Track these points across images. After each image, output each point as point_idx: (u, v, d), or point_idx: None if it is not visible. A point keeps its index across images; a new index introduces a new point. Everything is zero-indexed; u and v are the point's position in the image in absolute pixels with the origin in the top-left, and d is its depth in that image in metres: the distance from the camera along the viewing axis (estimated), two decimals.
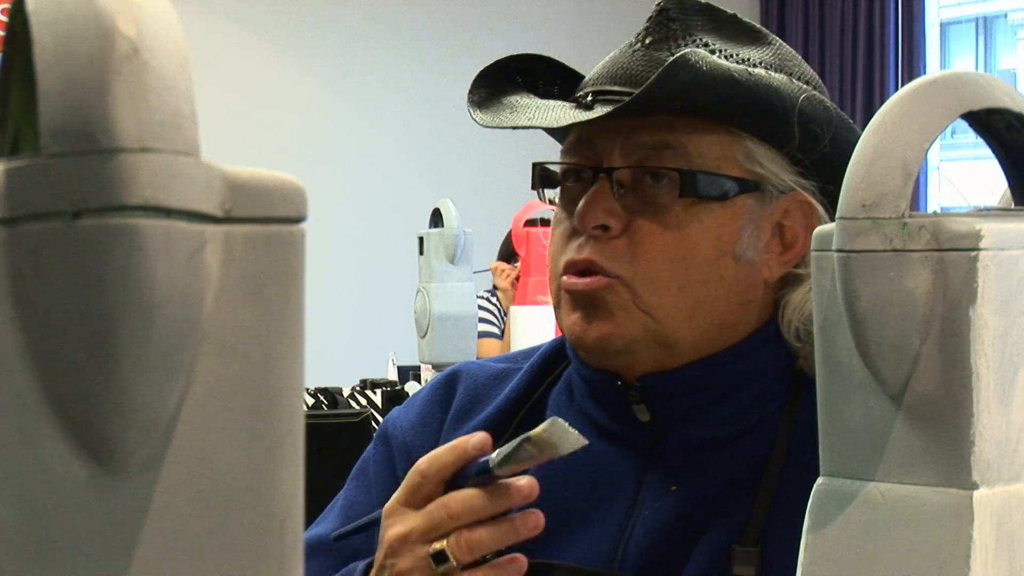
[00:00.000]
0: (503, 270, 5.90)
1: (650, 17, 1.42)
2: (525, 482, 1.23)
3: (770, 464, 1.35)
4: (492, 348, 5.58)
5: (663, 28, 1.41)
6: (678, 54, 1.32)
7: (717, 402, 1.38)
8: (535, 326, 3.92)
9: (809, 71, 1.44)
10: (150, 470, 0.55)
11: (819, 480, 0.84)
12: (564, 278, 1.38)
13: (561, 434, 1.16)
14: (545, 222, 5.23)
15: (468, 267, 4.11)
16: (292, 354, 0.58)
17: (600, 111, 1.36)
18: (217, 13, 8.11)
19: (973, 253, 0.79)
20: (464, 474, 1.24)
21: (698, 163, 1.35)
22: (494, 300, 5.89)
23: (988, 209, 0.88)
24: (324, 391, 4.79)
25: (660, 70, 1.32)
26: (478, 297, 4.69)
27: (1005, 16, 8.63)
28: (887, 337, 0.79)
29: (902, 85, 0.88)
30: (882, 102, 0.89)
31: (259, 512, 0.57)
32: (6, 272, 0.54)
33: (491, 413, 1.46)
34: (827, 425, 0.83)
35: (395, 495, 1.28)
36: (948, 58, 8.69)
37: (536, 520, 1.25)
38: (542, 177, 1.44)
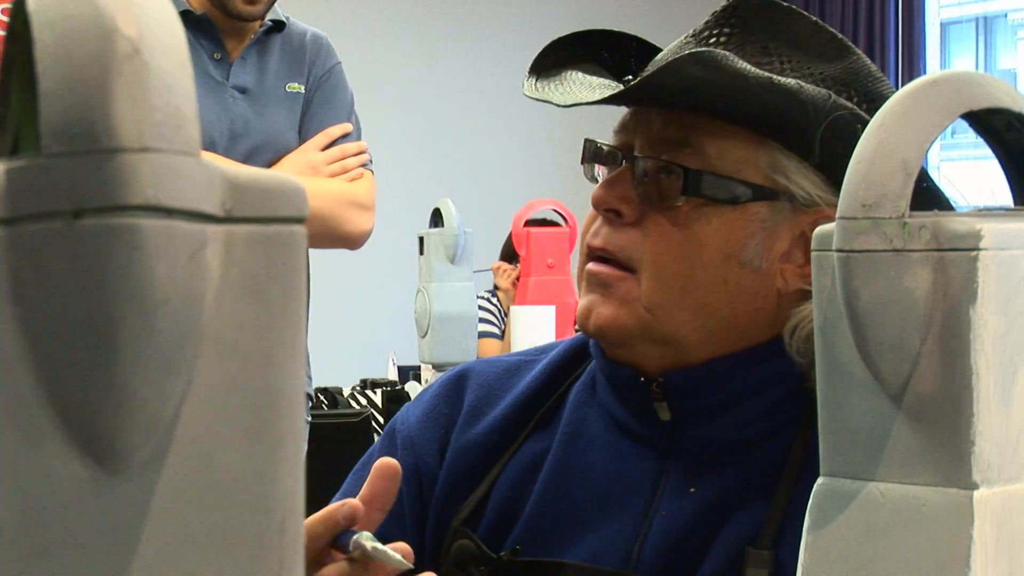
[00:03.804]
0: (504, 270, 5.90)
1: (715, 12, 1.41)
2: (402, 552, 1.21)
3: (787, 468, 1.35)
4: (492, 348, 5.58)
5: (716, 26, 1.39)
6: (690, 51, 1.31)
7: (737, 403, 1.37)
8: (535, 326, 3.92)
9: (878, 90, 1.38)
10: (150, 470, 0.55)
11: (819, 480, 0.84)
12: (590, 264, 1.39)
13: (382, 558, 1.20)
14: (545, 222, 5.23)
15: (468, 267, 4.12)
16: (292, 354, 0.58)
17: (597, 95, 1.36)
18: None
19: (973, 253, 0.79)
20: (342, 541, 1.24)
21: (715, 164, 1.34)
22: (494, 300, 5.88)
23: (988, 209, 0.87)
24: (324, 391, 4.79)
25: (663, 63, 1.32)
26: (478, 297, 4.69)
27: (1005, 16, 8.62)
28: (887, 337, 0.79)
29: (902, 85, 0.87)
30: None
31: (259, 512, 0.57)
32: (6, 272, 0.54)
33: (508, 407, 1.46)
34: (827, 425, 0.83)
35: None
36: (948, 58, 8.68)
37: None
38: (591, 153, 1.43)
